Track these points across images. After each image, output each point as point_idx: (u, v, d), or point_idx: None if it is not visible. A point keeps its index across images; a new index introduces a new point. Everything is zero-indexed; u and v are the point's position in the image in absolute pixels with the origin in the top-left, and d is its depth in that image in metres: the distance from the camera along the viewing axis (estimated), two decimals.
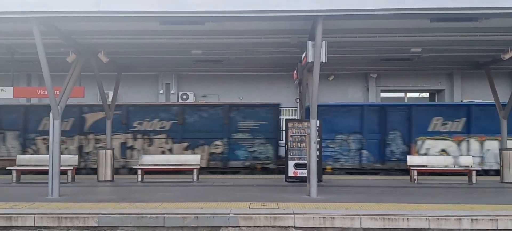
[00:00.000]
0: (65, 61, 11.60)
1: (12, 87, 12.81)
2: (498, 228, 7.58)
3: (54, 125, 9.98)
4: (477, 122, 15.03)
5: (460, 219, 7.62)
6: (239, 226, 7.72)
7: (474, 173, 12.67)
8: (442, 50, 12.69)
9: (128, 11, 9.04)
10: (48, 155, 10.24)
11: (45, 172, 10.50)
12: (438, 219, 7.63)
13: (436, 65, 15.63)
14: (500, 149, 13.19)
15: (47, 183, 10.06)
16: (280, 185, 12.08)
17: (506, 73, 17.95)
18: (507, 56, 11.92)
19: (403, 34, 10.91)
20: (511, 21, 9.80)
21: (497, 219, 7.60)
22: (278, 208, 8.39)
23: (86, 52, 11.56)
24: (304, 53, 10.14)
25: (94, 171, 14.64)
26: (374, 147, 15.25)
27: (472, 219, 7.62)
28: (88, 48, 11.73)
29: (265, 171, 15.49)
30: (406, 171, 13.44)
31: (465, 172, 13.21)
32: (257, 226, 7.71)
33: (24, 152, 15.48)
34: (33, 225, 7.82)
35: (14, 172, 13.01)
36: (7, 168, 13.65)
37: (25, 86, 18.11)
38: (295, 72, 14.07)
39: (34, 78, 18.62)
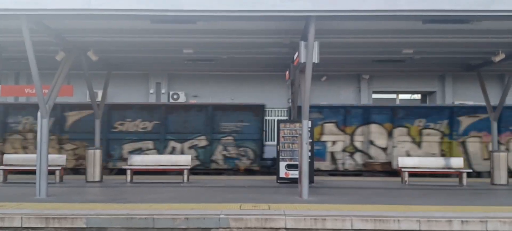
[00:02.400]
0: (54, 59, 11.44)
1: None
2: (488, 230, 7.60)
3: (42, 124, 9.83)
4: None
5: (450, 220, 7.63)
6: (229, 228, 7.66)
7: (464, 174, 12.73)
8: (434, 52, 12.74)
9: (119, 9, 8.93)
10: (35, 155, 10.09)
11: (33, 172, 10.35)
12: (429, 220, 7.63)
13: (428, 67, 15.71)
14: (490, 151, 13.27)
15: (34, 183, 9.92)
16: (271, 186, 12.04)
17: (497, 75, 18.11)
18: (498, 59, 11.99)
19: (395, 36, 10.93)
20: (502, 24, 9.85)
21: (487, 221, 7.62)
22: (269, 209, 8.35)
23: (75, 51, 11.40)
24: (297, 54, 10.11)
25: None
26: None
27: (462, 221, 7.63)
28: (77, 47, 11.58)
29: (249, 172, 15.50)
30: None
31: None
32: (248, 228, 7.65)
33: None
34: (20, 226, 7.69)
35: (0, 172, 12.81)
36: None
37: (13, 85, 17.91)
38: (287, 72, 14.03)
39: (22, 77, 18.40)
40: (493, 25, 9.96)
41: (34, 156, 11.73)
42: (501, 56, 11.91)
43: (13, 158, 13.23)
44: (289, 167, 12.60)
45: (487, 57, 12.87)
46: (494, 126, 13.26)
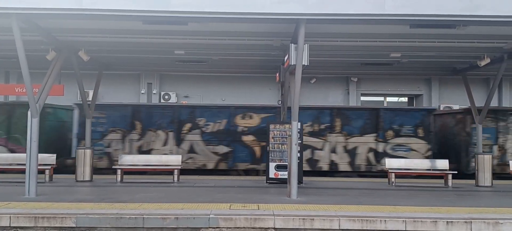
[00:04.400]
0: (44, 58, 11.42)
1: None
2: (472, 230, 7.79)
3: (32, 124, 9.81)
4: None
5: (435, 221, 7.81)
6: (219, 227, 7.74)
7: (450, 176, 12.96)
8: (421, 55, 12.94)
9: (110, 9, 8.95)
10: (25, 154, 10.06)
11: (23, 171, 10.32)
12: (415, 221, 7.80)
13: (415, 71, 15.94)
14: (475, 154, 13.51)
15: (24, 182, 9.89)
16: (261, 186, 12.14)
17: (482, 79, 18.44)
18: (483, 63, 12.23)
19: (383, 39, 11.10)
20: (487, 29, 10.07)
21: (471, 222, 7.82)
22: (258, 209, 8.45)
23: (66, 50, 11.39)
24: (287, 56, 10.23)
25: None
26: None
27: (447, 222, 7.81)
28: (68, 46, 11.58)
29: None
30: None
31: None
32: (237, 227, 7.74)
33: None
34: (8, 225, 7.69)
35: None
36: None
37: (2, 84, 17.78)
38: (277, 74, 14.15)
39: (12, 76, 18.28)
40: (478, 30, 10.18)
41: (23, 155, 11.69)
42: (486, 60, 12.15)
43: (3, 157, 13.14)
44: (278, 167, 12.70)
45: (472, 62, 13.13)
46: (479, 128, 13.50)
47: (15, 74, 18.08)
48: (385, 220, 7.80)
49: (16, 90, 12.87)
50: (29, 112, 9.85)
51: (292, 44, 9.71)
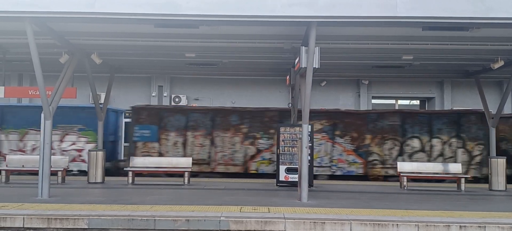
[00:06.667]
0: (57, 61, 11.56)
1: (3, 87, 12.73)
2: None
3: (45, 126, 9.92)
4: None
5: (448, 225, 7.70)
6: (230, 230, 7.74)
7: (463, 180, 12.81)
8: (433, 58, 12.84)
9: (122, 13, 9.03)
10: (38, 156, 10.17)
11: (35, 173, 10.43)
12: (427, 225, 7.71)
13: (427, 73, 15.81)
14: (489, 157, 13.34)
15: (37, 184, 10.01)
16: (271, 189, 12.11)
17: (495, 82, 18.22)
18: (496, 66, 12.08)
19: (395, 42, 11.03)
20: (500, 31, 9.96)
21: (485, 226, 7.70)
22: (269, 212, 8.43)
23: (79, 53, 11.52)
24: (297, 59, 10.21)
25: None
26: None
27: (460, 226, 7.70)
28: (81, 49, 11.70)
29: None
30: None
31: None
32: (248, 230, 7.74)
33: None
34: (22, 226, 7.77)
35: (3, 172, 12.89)
36: None
37: (16, 86, 18.02)
38: (288, 77, 14.13)
39: (25, 78, 18.52)
40: (492, 33, 10.08)
41: (36, 157, 11.83)
42: (500, 63, 11.98)
43: (16, 159, 13.31)
44: (288, 170, 12.67)
45: (485, 64, 12.97)
46: (493, 132, 13.34)
47: (28, 77, 18.32)
48: (397, 224, 7.72)
49: (30, 93, 13.03)
50: (42, 115, 9.97)
51: (303, 47, 9.70)
